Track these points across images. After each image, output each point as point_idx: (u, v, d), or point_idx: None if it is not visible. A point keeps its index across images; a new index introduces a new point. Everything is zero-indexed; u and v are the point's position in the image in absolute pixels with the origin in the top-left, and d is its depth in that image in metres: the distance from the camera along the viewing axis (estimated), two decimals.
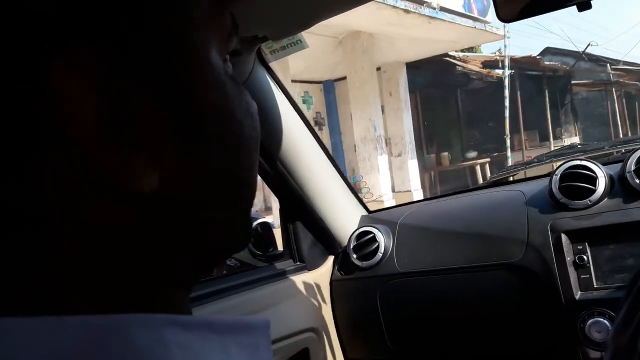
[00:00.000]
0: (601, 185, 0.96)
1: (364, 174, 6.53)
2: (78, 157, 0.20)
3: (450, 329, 1.08)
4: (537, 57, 10.45)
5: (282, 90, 1.05)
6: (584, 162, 1.00)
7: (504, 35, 7.85)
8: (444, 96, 10.09)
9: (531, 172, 1.58)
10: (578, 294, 0.92)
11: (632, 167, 0.94)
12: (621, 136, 12.97)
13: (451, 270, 1.05)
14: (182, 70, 0.23)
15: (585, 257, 0.93)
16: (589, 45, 13.36)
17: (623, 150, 1.30)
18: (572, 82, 13.07)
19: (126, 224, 0.22)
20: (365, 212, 1.28)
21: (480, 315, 1.04)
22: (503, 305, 1.02)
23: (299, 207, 1.16)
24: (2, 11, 0.19)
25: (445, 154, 9.26)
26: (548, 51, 15.00)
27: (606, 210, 0.94)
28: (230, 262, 1.31)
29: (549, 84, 11.45)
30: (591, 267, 0.93)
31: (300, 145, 1.10)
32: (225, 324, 0.24)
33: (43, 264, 0.21)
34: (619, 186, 0.97)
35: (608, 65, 13.89)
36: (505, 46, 8.40)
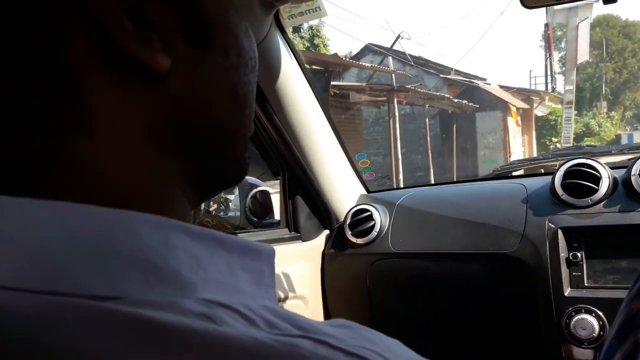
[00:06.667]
0: (604, 185, 0.96)
1: None
2: (100, 31, 0.21)
3: (436, 312, 1.08)
4: None
5: (295, 57, 1.04)
6: (589, 161, 1.00)
7: None
8: None
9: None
10: (567, 291, 0.93)
11: (638, 171, 0.94)
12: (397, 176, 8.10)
13: (444, 255, 1.06)
14: None
15: (579, 255, 0.93)
16: (398, 37, 9.44)
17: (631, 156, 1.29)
18: (332, 83, 7.85)
19: (143, 112, 0.23)
20: (365, 191, 1.28)
21: (468, 303, 1.05)
22: (492, 295, 1.02)
23: (300, 178, 1.16)
24: None
25: None
26: (368, 49, 11.19)
27: (606, 211, 0.94)
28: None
29: None
30: (584, 265, 0.93)
31: (308, 116, 1.10)
32: (234, 243, 0.24)
33: (67, 146, 0.22)
34: (622, 189, 0.96)
35: (387, 60, 9.07)
36: None
